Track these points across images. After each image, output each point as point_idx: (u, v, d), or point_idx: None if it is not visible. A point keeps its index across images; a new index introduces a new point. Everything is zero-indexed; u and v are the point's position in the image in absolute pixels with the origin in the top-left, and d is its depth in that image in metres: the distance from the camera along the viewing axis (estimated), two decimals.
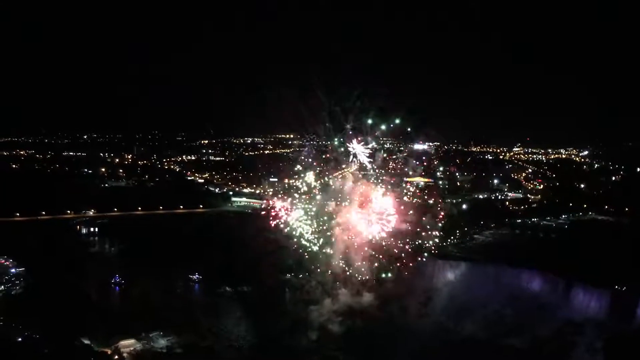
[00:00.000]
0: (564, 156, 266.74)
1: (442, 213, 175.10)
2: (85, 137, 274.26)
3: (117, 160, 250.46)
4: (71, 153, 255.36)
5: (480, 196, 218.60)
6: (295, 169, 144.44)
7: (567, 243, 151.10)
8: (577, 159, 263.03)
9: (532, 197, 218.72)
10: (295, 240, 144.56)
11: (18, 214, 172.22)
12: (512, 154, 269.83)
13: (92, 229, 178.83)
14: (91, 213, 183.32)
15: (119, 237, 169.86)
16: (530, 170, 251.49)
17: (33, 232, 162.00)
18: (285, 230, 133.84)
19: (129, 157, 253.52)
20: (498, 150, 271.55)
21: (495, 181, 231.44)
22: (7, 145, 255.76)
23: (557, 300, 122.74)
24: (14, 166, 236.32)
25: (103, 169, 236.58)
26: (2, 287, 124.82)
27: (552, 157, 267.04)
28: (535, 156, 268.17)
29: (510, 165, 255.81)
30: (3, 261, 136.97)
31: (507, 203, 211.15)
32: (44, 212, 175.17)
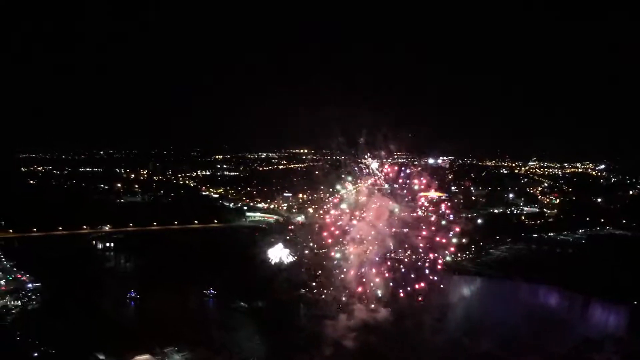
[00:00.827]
0: (580, 170, 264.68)
1: (457, 228, 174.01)
2: (101, 152, 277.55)
3: (133, 175, 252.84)
4: (88, 169, 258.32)
5: (496, 210, 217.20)
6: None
7: (585, 258, 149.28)
8: (594, 172, 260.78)
9: (548, 211, 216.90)
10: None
11: (35, 229, 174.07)
12: (527, 168, 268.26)
13: (107, 244, 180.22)
14: (107, 228, 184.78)
15: (134, 252, 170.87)
16: (546, 184, 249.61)
17: (49, 247, 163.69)
18: None
19: (145, 172, 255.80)
20: (513, 165, 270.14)
21: (511, 195, 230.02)
22: (25, 161, 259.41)
23: (574, 317, 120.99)
24: (31, 182, 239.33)
25: (119, 185, 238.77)
26: (19, 302, 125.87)
27: (568, 171, 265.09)
28: (551, 170, 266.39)
29: (525, 180, 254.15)
30: (20, 276, 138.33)
31: (522, 217, 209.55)
32: (60, 228, 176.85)
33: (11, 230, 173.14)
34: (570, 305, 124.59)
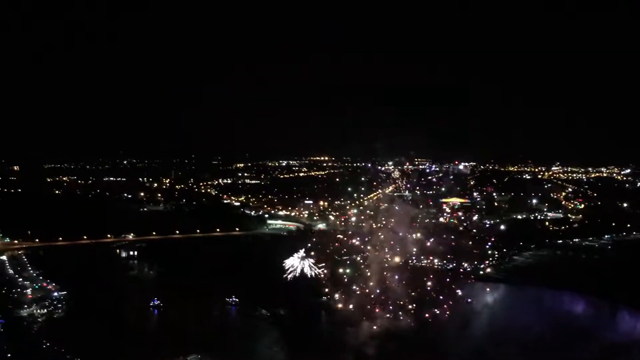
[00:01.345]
0: (605, 175, 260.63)
1: (480, 234, 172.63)
2: (125, 162, 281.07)
3: (156, 184, 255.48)
4: (111, 178, 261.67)
5: (519, 216, 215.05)
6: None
7: (611, 264, 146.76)
8: (619, 177, 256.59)
9: (573, 216, 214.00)
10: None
11: (60, 239, 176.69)
12: (550, 173, 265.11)
13: (131, 253, 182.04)
14: (130, 237, 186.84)
15: (157, 261, 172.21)
16: (570, 189, 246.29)
17: (75, 256, 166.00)
18: None
19: (167, 181, 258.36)
20: (536, 170, 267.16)
21: (534, 201, 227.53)
22: (50, 172, 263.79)
23: (601, 324, 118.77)
24: (56, 192, 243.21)
25: (142, 194, 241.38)
26: (45, 310, 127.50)
27: (593, 175, 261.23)
28: (575, 175, 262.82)
29: (549, 185, 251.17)
30: (46, 285, 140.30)
31: (546, 223, 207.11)
32: (85, 237, 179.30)
33: (37, 240, 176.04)
34: (597, 312, 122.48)
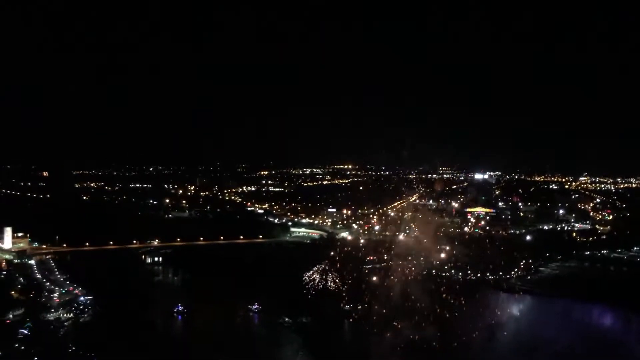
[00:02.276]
0: (634, 186, 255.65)
1: (505, 244, 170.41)
2: (151, 169, 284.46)
3: (181, 191, 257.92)
4: (138, 185, 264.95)
5: (545, 227, 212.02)
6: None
7: None
8: None
9: (601, 228, 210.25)
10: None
11: (87, 244, 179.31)
12: (578, 183, 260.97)
13: (156, 259, 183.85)
14: (155, 243, 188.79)
15: (181, 267, 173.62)
16: (598, 200, 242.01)
17: (101, 261, 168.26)
18: None
19: (192, 188, 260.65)
20: (563, 180, 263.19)
21: (561, 211, 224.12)
22: (79, 178, 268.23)
23: (630, 338, 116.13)
24: (84, 198, 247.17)
25: (167, 200, 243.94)
26: (72, 314, 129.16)
27: (622, 186, 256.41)
28: (603, 186, 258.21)
29: (576, 195, 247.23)
30: (72, 289, 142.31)
31: (574, 234, 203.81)
32: (111, 242, 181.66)
33: (65, 245, 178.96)
34: (626, 326, 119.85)
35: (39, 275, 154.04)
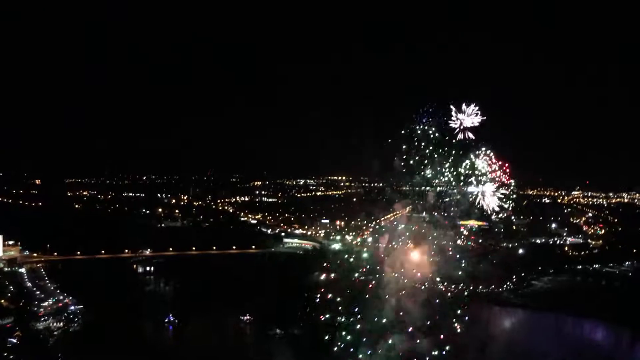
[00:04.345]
0: (626, 200, 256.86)
1: (498, 257, 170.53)
2: (144, 178, 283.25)
3: (174, 200, 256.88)
4: (130, 194, 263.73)
5: (538, 240, 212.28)
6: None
7: (632, 291, 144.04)
8: None
9: (593, 242, 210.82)
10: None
11: (78, 252, 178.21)
12: (570, 197, 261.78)
13: (148, 268, 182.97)
14: (147, 252, 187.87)
15: (173, 277, 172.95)
16: (590, 214, 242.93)
17: (92, 270, 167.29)
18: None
19: (185, 198, 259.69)
20: (556, 194, 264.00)
21: (554, 225, 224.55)
22: (72, 186, 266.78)
23: (622, 354, 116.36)
24: (76, 206, 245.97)
25: (160, 210, 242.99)
26: (62, 324, 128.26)
27: (614, 201, 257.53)
28: (595, 200, 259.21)
29: (569, 209, 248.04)
30: (63, 298, 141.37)
31: (566, 248, 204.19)
32: (103, 251, 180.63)
33: (56, 253, 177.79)
34: (617, 340, 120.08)
35: (29, 284, 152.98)
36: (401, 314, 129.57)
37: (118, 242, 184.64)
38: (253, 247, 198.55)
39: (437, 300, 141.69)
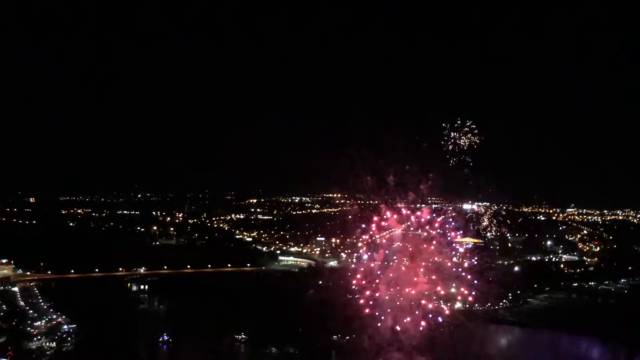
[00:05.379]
0: (620, 218, 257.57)
1: (493, 275, 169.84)
2: (139, 196, 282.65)
3: (169, 218, 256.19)
4: (125, 212, 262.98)
5: (533, 258, 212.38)
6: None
7: (628, 309, 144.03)
8: (635, 220, 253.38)
9: (589, 259, 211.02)
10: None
11: (72, 271, 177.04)
12: (565, 214, 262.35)
13: (142, 287, 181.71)
14: (142, 270, 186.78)
15: (167, 295, 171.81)
16: (585, 231, 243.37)
17: (86, 288, 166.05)
18: None
19: (180, 215, 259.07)
20: (551, 211, 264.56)
21: (549, 243, 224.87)
22: (67, 204, 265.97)
23: None
24: (71, 224, 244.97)
25: (155, 227, 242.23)
26: (54, 343, 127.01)
27: (609, 218, 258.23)
28: (590, 217, 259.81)
29: (564, 226, 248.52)
30: (56, 317, 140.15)
31: (561, 265, 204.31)
32: (97, 269, 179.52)
33: (49, 272, 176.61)
34: (613, 357, 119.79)
35: (22, 303, 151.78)
36: (397, 332, 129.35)
37: (112, 260, 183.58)
38: (248, 265, 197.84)
39: (433, 319, 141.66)
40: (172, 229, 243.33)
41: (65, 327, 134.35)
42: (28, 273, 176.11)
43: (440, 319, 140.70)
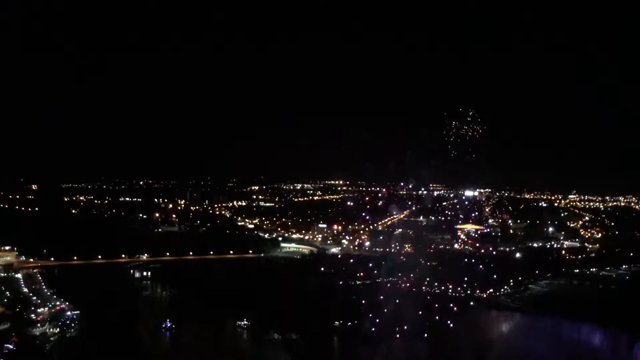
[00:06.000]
0: (622, 204, 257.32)
1: (495, 261, 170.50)
2: (141, 183, 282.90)
3: (171, 205, 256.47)
4: (127, 199, 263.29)
5: (535, 244, 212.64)
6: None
7: (629, 295, 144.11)
8: (637, 206, 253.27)
9: (590, 246, 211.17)
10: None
11: (75, 258, 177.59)
12: (567, 201, 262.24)
13: (144, 273, 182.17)
14: (144, 257, 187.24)
15: (170, 282, 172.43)
16: (587, 218, 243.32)
17: (89, 275, 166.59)
18: None
19: (182, 202, 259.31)
20: (552, 198, 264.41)
21: (550, 229, 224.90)
22: (68, 191, 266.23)
23: (618, 357, 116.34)
24: (73, 211, 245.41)
25: (157, 214, 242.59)
26: (58, 329, 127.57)
27: (610, 204, 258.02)
28: (592, 204, 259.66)
29: (565, 213, 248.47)
30: (59, 304, 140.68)
31: (563, 252, 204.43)
32: (99, 256, 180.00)
33: (52, 258, 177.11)
34: (615, 344, 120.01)
35: (25, 290, 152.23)
36: (398, 318, 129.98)
37: (115, 247, 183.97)
38: (250, 251, 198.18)
39: (435, 304, 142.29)
40: (174, 216, 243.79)
41: (68, 313, 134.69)
42: (31, 260, 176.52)
43: (441, 305, 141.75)
